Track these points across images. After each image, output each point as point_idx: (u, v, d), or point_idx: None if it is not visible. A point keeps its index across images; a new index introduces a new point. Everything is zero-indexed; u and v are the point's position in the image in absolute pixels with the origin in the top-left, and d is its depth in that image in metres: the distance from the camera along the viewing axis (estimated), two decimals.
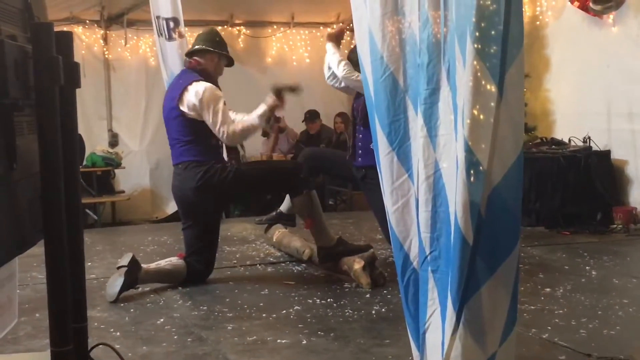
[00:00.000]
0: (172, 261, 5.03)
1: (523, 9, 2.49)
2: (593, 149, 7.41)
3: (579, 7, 7.60)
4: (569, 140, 7.64)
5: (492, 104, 2.39)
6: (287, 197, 5.79)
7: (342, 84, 5.71)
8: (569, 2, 7.76)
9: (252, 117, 5.08)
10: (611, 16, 7.35)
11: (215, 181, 4.95)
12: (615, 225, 6.97)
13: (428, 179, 2.71)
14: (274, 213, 6.02)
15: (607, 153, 7.39)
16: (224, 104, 5.02)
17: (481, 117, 2.39)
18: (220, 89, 5.14)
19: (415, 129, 2.83)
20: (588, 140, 7.46)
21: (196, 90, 4.95)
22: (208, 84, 5.02)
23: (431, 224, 2.71)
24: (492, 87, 2.38)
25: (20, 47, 1.94)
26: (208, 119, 4.95)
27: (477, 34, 2.39)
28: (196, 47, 5.26)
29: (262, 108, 5.06)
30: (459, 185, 2.45)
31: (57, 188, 2.01)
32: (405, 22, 2.88)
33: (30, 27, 2.03)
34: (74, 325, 2.17)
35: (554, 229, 6.98)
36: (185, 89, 4.99)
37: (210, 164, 4.99)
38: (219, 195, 5.04)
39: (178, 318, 4.22)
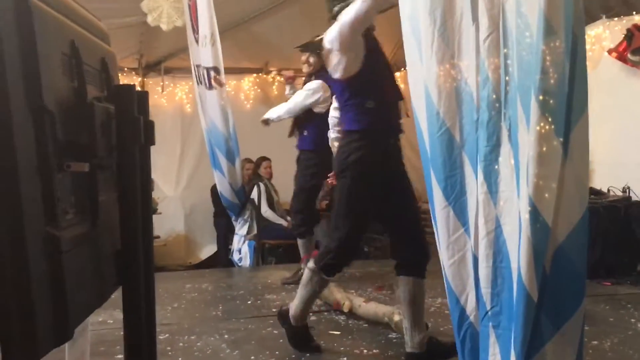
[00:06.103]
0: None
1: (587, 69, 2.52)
2: (633, 199, 7.38)
3: (616, 57, 7.63)
4: (608, 190, 7.61)
5: (557, 162, 2.42)
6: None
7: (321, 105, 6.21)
8: (607, 53, 7.79)
9: None
10: None
11: None
12: None
13: (489, 235, 2.74)
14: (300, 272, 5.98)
15: None
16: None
17: (546, 175, 2.42)
18: None
19: (473, 184, 2.87)
20: (628, 190, 7.43)
21: None
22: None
23: (492, 280, 2.73)
24: (557, 146, 2.42)
25: (105, 108, 2.01)
26: None
27: (541, 92, 2.43)
28: None
29: None
30: (523, 242, 2.47)
31: (137, 242, 2.07)
32: (462, 78, 2.93)
33: (113, 89, 2.09)
34: None
35: (595, 280, 6.91)
36: None
37: None
38: None
39: None
